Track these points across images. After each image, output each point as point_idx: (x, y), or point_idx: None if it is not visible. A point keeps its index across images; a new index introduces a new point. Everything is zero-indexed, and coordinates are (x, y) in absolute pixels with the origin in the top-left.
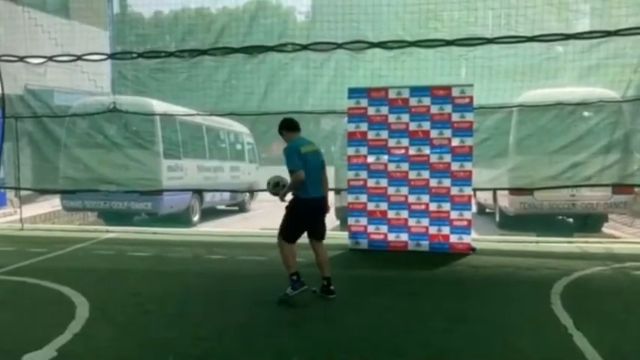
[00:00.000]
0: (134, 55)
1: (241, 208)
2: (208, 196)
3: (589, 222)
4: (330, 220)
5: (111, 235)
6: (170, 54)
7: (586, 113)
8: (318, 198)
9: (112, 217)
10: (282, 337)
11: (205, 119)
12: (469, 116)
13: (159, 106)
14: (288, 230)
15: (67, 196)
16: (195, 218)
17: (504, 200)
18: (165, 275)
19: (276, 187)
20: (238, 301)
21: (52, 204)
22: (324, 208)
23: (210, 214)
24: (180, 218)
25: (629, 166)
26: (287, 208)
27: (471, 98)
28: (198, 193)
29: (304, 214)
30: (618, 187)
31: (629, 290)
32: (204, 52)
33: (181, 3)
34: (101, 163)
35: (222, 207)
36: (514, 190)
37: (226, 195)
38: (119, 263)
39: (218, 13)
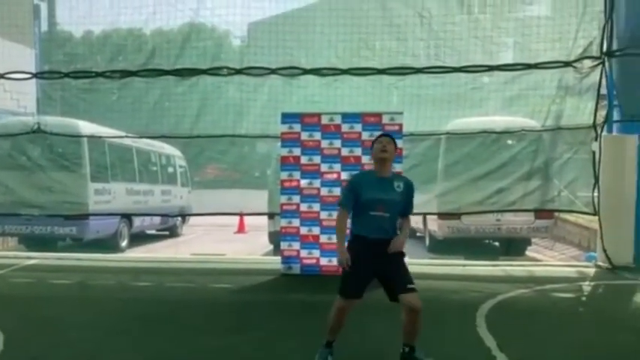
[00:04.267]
0: (61, 75)
1: (172, 232)
2: (138, 221)
3: (513, 245)
4: (263, 244)
5: (33, 261)
6: (99, 74)
7: (509, 141)
8: None
9: (34, 243)
10: None
11: (135, 141)
12: (399, 143)
13: (86, 127)
14: None
15: None
16: (124, 244)
17: (433, 224)
18: (88, 303)
19: None
20: (165, 329)
21: None
22: None
23: (140, 239)
24: (108, 244)
25: (549, 192)
26: None
27: (401, 125)
28: (127, 217)
29: None
30: (540, 212)
31: (549, 311)
32: (134, 73)
33: (112, 23)
34: (23, 185)
35: (153, 232)
36: (442, 215)
37: (157, 219)
38: (40, 291)
39: (150, 34)
